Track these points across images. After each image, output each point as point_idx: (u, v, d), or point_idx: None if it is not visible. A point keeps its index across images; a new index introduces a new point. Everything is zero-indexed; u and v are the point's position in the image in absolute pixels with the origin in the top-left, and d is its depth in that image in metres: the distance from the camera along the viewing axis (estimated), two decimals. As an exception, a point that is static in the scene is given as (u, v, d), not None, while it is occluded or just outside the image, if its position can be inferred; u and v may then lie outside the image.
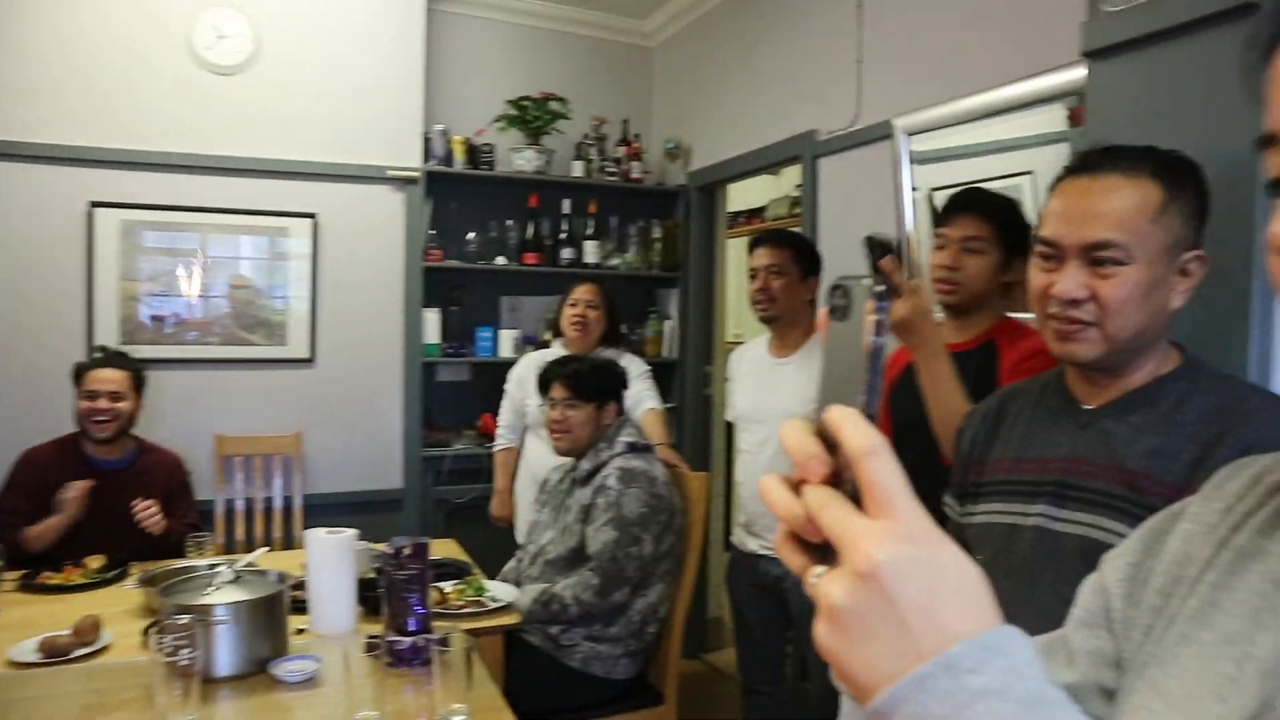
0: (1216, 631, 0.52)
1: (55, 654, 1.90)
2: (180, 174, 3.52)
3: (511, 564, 2.78)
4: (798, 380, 2.54)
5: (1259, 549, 0.53)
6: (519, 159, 4.02)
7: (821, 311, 0.45)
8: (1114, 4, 1.55)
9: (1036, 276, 1.24)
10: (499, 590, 2.40)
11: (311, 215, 3.69)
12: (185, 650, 1.51)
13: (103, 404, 2.72)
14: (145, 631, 2.01)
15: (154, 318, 3.53)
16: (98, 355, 2.85)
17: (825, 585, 0.41)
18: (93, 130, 3.39)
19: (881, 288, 0.43)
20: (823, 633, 0.41)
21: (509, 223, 4.06)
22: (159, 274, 3.53)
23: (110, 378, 2.75)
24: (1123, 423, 1.20)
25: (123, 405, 2.76)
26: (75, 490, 2.60)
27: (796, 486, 0.44)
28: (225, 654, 1.77)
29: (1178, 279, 1.17)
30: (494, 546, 3.25)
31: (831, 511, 0.41)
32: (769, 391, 2.60)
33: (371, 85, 3.75)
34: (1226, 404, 1.15)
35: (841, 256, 2.92)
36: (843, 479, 0.42)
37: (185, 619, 1.59)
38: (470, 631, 2.03)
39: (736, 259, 4.55)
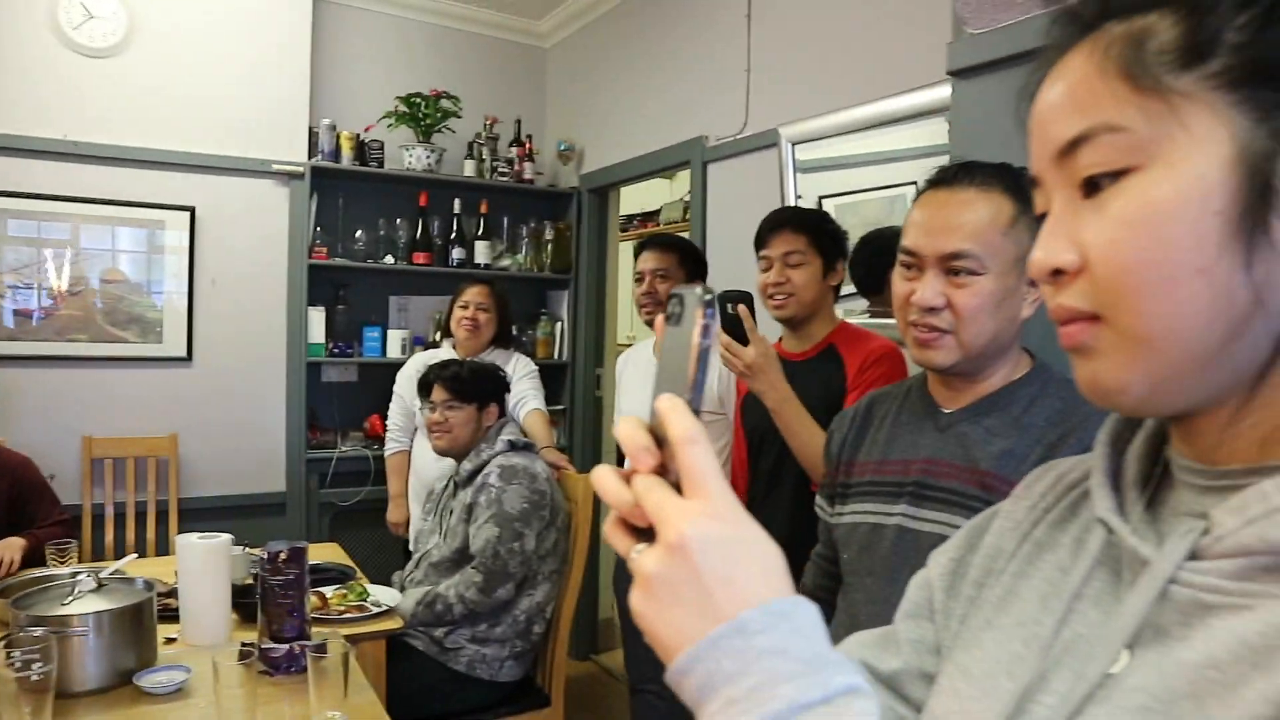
0: (1013, 616, 0.57)
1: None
2: (48, 160, 3.33)
3: (403, 569, 2.75)
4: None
5: (1052, 540, 0.59)
6: (409, 157, 3.96)
7: (658, 319, 0.48)
8: (976, 27, 1.63)
9: (899, 284, 1.30)
10: (382, 595, 2.36)
11: (190, 208, 3.55)
12: (38, 665, 1.44)
13: None
14: (3, 646, 1.91)
15: (16, 311, 3.33)
16: None
17: (642, 558, 0.46)
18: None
19: (709, 296, 0.47)
20: (637, 599, 0.46)
21: (399, 221, 4.00)
22: (22, 265, 3.34)
23: None
24: (978, 425, 1.27)
25: None
26: None
27: (628, 478, 0.48)
28: (87, 667, 1.69)
29: (1028, 289, 1.25)
30: (381, 551, 3.20)
31: (654, 495, 0.46)
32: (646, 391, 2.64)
33: (256, 75, 3.63)
34: (1069, 408, 1.23)
35: (729, 261, 2.98)
36: (668, 470, 0.47)
37: (39, 631, 1.52)
38: (351, 637, 2.00)
39: (628, 262, 4.58)
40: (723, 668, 0.42)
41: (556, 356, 4.31)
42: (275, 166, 3.66)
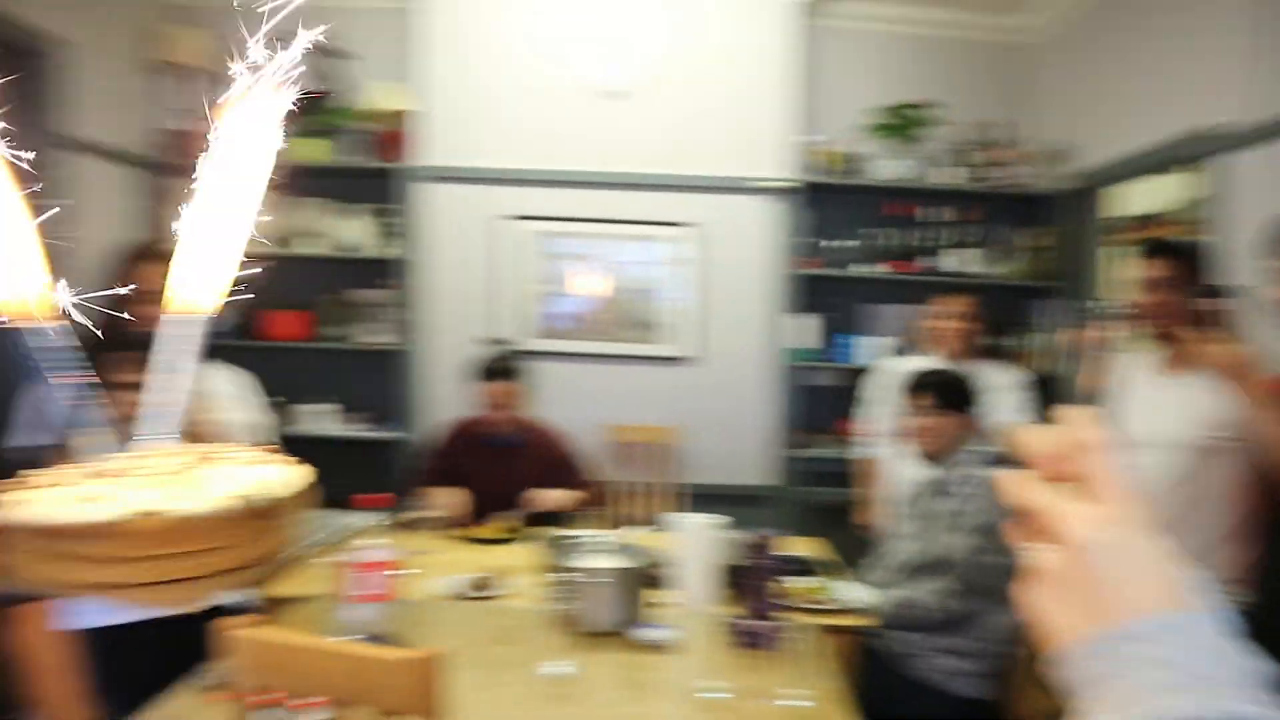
0: None
1: (473, 590, 2.29)
2: (578, 189, 4.03)
3: (874, 571, 2.80)
4: (1190, 400, 2.27)
5: None
6: (890, 167, 4.00)
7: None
8: None
9: None
10: (853, 591, 2.44)
11: (695, 224, 4.00)
12: (564, 604, 1.76)
13: (495, 413, 3.17)
14: (548, 584, 2.34)
15: (554, 316, 4.05)
16: (495, 359, 3.28)
17: (1043, 555, 0.48)
18: (504, 154, 4.00)
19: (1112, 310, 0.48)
20: (1033, 592, 0.48)
21: (878, 230, 4.06)
22: (559, 278, 4.05)
23: (499, 389, 3.17)
24: None
25: (507, 413, 3.18)
26: None
27: (1038, 481, 0.50)
28: (600, 612, 2.01)
29: None
30: (854, 550, 3.29)
31: (1058, 498, 0.48)
32: (1158, 412, 2.37)
33: (749, 101, 3.98)
34: None
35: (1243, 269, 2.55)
36: (1074, 476, 0.49)
37: (570, 577, 1.85)
38: (821, 628, 2.12)
39: (1122, 268, 4.12)
40: (1104, 670, 0.44)
41: (1043, 368, 4.03)
42: (766, 184, 3.96)
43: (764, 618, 1.99)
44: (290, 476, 0.72)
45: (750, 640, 1.96)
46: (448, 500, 3.04)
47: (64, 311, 0.66)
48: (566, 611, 1.81)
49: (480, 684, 1.74)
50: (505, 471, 3.15)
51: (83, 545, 0.62)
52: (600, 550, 2.21)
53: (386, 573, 1.76)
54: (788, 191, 3.96)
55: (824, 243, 4.08)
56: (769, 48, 3.98)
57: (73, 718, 1.16)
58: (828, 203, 4.09)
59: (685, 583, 2.26)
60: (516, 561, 2.57)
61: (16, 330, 0.61)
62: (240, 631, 1.24)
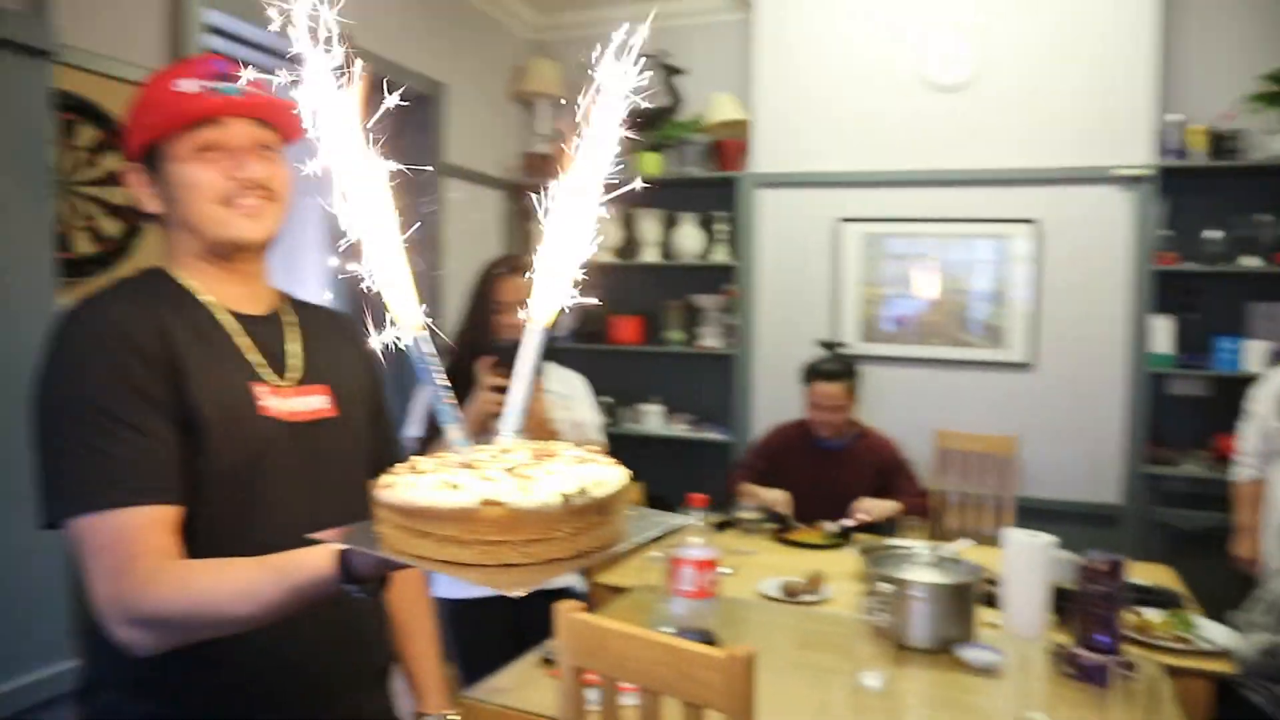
0: None
1: (789, 594, 2.34)
2: (912, 189, 3.91)
3: (1249, 611, 2.47)
4: None
5: None
6: (1272, 144, 3.45)
7: None
8: None
9: None
10: (1215, 632, 2.17)
11: (1033, 220, 3.74)
12: (883, 615, 1.75)
13: (824, 415, 3.19)
14: (866, 594, 2.34)
15: (889, 319, 3.97)
16: (825, 362, 3.30)
17: None
18: (838, 156, 3.99)
19: None
20: None
21: (1260, 218, 3.52)
22: (889, 280, 3.97)
23: (829, 392, 3.18)
24: None
25: (840, 415, 3.20)
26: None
27: None
28: (918, 627, 1.98)
29: None
30: (1221, 584, 2.91)
31: None
32: None
33: (1095, 84, 3.62)
34: None
35: None
36: None
37: (887, 589, 1.84)
38: (1169, 668, 1.92)
39: None
40: None
41: None
42: (1117, 171, 3.59)
43: (1103, 649, 1.84)
44: (612, 476, 0.80)
45: (1083, 672, 1.82)
46: (774, 497, 3.11)
47: (432, 324, 0.80)
48: (885, 623, 1.80)
49: (788, 688, 1.79)
50: (831, 476, 3.17)
51: (430, 525, 0.75)
52: (924, 563, 2.16)
53: (708, 570, 1.86)
54: (1143, 179, 3.57)
55: (1188, 234, 3.62)
56: (1124, 20, 3.60)
57: (436, 675, 1.36)
58: (1192, 189, 3.62)
59: (1012, 603, 2.14)
60: (836, 568, 2.58)
61: (407, 339, 0.76)
62: (569, 614, 1.38)
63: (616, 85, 0.79)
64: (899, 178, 3.91)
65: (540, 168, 4.29)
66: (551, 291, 0.83)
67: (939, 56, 3.82)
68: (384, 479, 0.80)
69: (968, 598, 2.03)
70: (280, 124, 1.13)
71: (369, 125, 0.74)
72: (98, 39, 2.23)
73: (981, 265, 3.86)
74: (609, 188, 0.82)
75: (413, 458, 0.85)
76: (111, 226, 2.27)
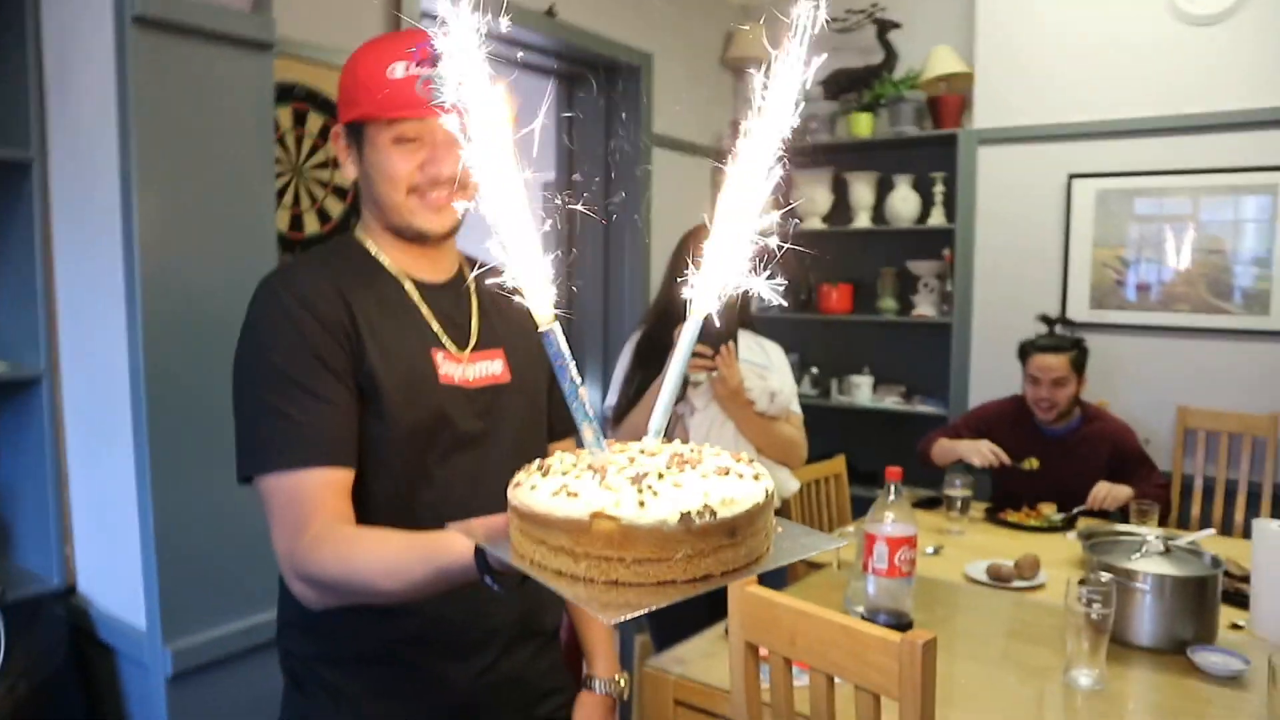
0: None
1: (999, 579, 2.20)
2: (1164, 136, 3.48)
3: None
4: None
5: None
6: None
7: None
8: None
9: None
10: None
11: (1300, 170, 3.26)
12: (1098, 606, 1.61)
13: (1044, 392, 2.90)
14: (1078, 582, 2.16)
15: (1128, 285, 3.61)
16: (1049, 335, 3.03)
17: None
18: (1070, 106, 3.63)
19: None
20: None
21: None
22: (1136, 241, 3.59)
23: (1050, 364, 2.88)
24: None
25: (1063, 393, 2.89)
26: None
27: None
28: (1143, 623, 1.80)
29: None
30: None
31: None
32: None
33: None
34: None
35: None
36: None
37: (1106, 578, 1.69)
38: None
39: None
40: None
41: None
42: None
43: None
44: (748, 493, 0.73)
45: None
46: (971, 447, 2.92)
47: (564, 315, 0.76)
48: (1106, 617, 1.65)
49: (989, 680, 1.68)
50: (1053, 466, 2.92)
51: (543, 532, 0.72)
52: (1155, 552, 1.96)
53: (904, 548, 1.78)
54: None
55: None
56: None
57: (606, 640, 1.38)
58: None
59: (1262, 603, 1.91)
60: (1053, 554, 2.40)
61: (549, 332, 0.75)
62: (747, 587, 1.36)
63: (806, 42, 0.73)
64: (1140, 125, 3.50)
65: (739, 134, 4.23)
66: (733, 260, 0.78)
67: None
68: (517, 475, 0.79)
69: (1207, 594, 1.83)
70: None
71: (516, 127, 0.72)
72: (323, 32, 2.41)
73: (1244, 224, 3.41)
74: (786, 155, 0.77)
75: (547, 457, 0.81)
76: (335, 207, 2.47)
